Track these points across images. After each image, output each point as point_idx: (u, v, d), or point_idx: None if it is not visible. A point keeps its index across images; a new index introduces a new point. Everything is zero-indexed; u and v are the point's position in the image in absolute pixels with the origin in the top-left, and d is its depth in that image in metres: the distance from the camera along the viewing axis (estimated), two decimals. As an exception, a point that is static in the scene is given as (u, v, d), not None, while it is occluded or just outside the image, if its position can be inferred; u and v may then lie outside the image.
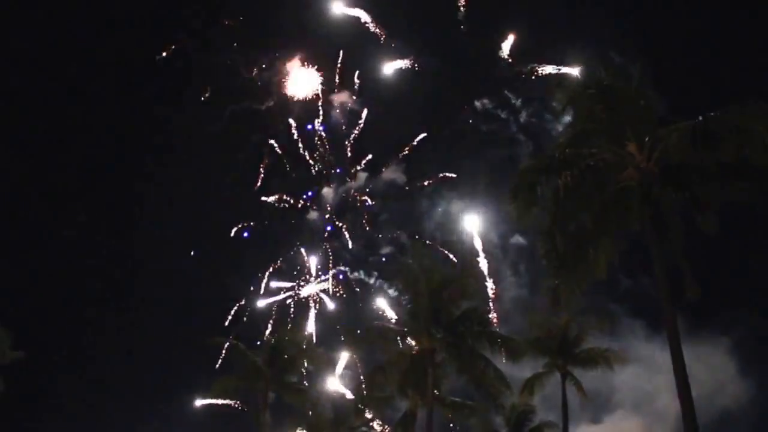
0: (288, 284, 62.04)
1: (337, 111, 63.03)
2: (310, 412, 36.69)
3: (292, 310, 61.38)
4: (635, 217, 18.27)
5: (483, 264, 59.25)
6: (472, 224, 59.64)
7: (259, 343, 40.53)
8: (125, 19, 62.89)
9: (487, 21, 61.19)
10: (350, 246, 62.23)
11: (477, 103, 61.79)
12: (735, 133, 16.81)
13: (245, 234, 62.15)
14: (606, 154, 18.43)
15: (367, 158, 63.32)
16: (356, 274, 60.99)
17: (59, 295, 57.79)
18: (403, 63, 60.65)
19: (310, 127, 63.14)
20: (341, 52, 61.71)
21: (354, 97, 62.60)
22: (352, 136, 62.65)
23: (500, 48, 58.70)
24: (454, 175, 60.30)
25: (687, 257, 18.26)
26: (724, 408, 49.22)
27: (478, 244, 59.19)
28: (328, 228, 62.88)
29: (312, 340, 37.34)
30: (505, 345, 27.38)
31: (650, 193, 17.74)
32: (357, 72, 62.24)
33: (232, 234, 62.25)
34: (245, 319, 58.60)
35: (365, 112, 62.11)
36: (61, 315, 57.58)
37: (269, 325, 58.33)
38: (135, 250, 62.04)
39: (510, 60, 58.69)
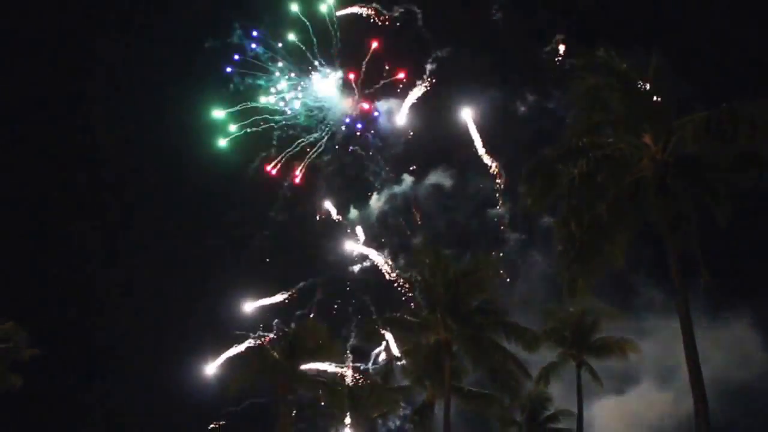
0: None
1: (382, 116, 62.80)
2: (324, 402, 37.03)
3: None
4: (650, 208, 18.52)
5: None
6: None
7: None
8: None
9: (514, 17, 61.09)
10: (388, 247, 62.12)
11: (521, 108, 61.49)
12: (749, 125, 17.00)
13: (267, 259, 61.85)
14: (622, 144, 18.65)
15: (414, 165, 62.89)
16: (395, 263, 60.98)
17: (75, 293, 58.36)
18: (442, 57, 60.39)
19: (352, 149, 62.97)
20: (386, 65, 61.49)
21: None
22: (399, 140, 62.27)
23: (546, 47, 58.23)
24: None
25: (703, 244, 18.47)
26: (745, 381, 49.38)
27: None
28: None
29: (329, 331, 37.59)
30: (521, 335, 27.74)
31: (665, 185, 17.96)
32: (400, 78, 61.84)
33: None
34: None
35: (408, 127, 61.79)
36: (76, 312, 58.17)
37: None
38: (164, 252, 62.19)
39: (559, 57, 58.25)
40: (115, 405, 55.51)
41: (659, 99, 18.53)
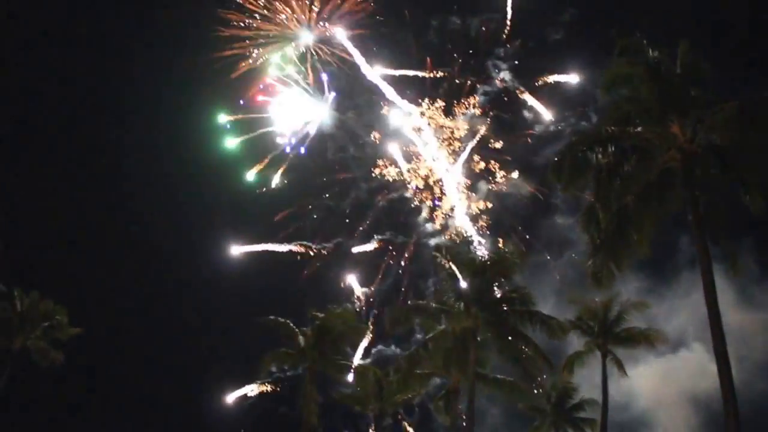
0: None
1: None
2: (358, 388, 37.51)
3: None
4: (677, 199, 18.45)
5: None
6: None
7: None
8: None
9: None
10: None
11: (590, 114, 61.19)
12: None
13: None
14: (649, 134, 18.60)
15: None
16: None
17: (116, 274, 59.73)
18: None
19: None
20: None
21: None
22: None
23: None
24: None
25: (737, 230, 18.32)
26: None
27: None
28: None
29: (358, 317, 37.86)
30: (546, 324, 27.76)
31: (692, 175, 17.88)
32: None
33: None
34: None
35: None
36: (118, 292, 59.50)
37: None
38: (202, 240, 63.02)
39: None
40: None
41: (688, 88, 18.38)
